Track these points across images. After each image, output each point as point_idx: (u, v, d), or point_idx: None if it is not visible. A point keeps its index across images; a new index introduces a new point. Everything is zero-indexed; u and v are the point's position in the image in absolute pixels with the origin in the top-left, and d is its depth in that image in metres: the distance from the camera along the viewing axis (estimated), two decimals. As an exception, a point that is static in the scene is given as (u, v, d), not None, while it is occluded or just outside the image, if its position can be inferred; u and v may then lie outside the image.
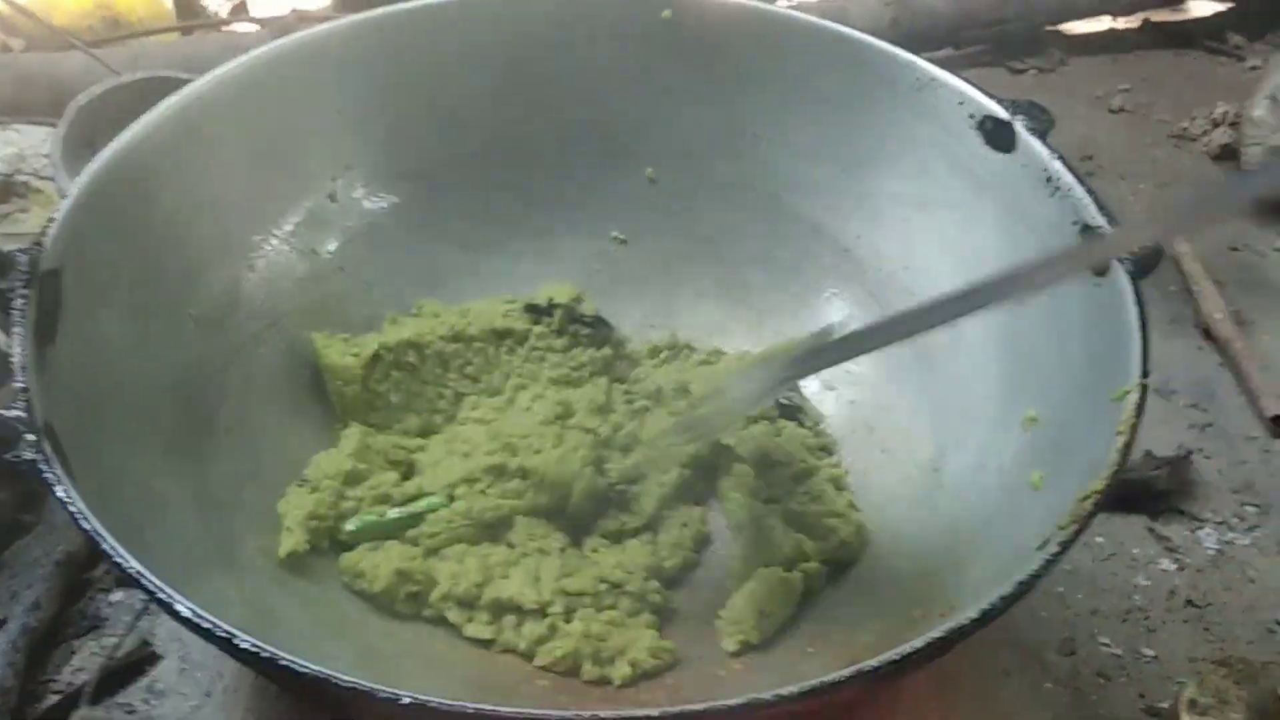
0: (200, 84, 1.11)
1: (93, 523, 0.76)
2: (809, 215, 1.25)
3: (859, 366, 1.20)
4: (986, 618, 0.74)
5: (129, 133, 1.05)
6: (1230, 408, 1.48)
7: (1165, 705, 1.12)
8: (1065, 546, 0.78)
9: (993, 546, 0.91)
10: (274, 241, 1.18)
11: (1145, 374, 0.87)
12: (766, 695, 0.69)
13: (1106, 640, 1.21)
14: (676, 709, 0.69)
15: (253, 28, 2.15)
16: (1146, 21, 2.33)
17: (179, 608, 0.73)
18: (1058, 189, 1.02)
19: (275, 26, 1.99)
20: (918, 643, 0.73)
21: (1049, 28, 2.28)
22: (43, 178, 1.68)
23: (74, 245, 0.96)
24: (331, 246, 1.23)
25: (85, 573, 1.24)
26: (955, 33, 2.17)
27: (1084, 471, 0.84)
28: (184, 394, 1.05)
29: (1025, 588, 0.76)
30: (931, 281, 1.14)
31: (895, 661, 0.72)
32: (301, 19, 1.97)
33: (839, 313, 1.23)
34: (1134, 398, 0.85)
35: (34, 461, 0.80)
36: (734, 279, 1.30)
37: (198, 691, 1.12)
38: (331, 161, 1.23)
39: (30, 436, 0.81)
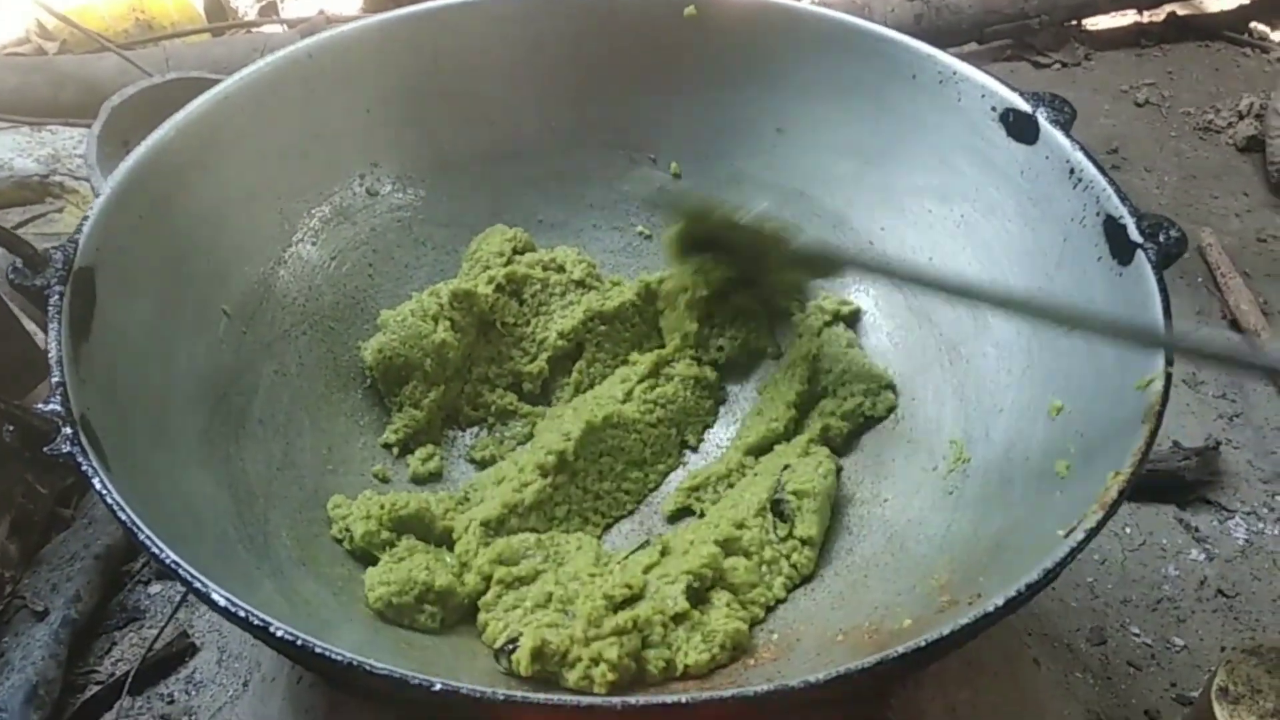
0: (229, 84, 1.13)
1: (129, 514, 0.78)
2: (833, 208, 1.25)
3: (885, 359, 1.21)
4: (1013, 605, 0.75)
5: (160, 132, 1.07)
6: (1258, 398, 1.48)
7: (1196, 694, 1.13)
8: (1091, 534, 0.78)
9: (1019, 534, 0.91)
10: (304, 236, 1.20)
11: (1169, 362, 0.87)
12: (795, 682, 0.70)
13: (1137, 630, 1.21)
14: (705, 695, 0.70)
15: (281, 29, 2.17)
16: (1171, 15, 2.33)
17: (215, 597, 0.74)
18: (1080, 180, 1.02)
19: (304, 28, 2.00)
20: (945, 629, 0.73)
21: (1072, 22, 2.28)
22: (78, 178, 1.70)
23: (107, 243, 0.97)
24: (360, 241, 1.24)
25: (124, 565, 1.26)
26: (979, 28, 2.17)
27: (1110, 460, 0.84)
28: (217, 388, 1.07)
29: (1051, 575, 0.76)
30: (955, 272, 1.14)
31: (921, 648, 0.73)
32: (330, 20, 1.99)
33: (864, 303, 1.25)
34: (1158, 386, 0.86)
35: (71, 454, 0.81)
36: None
37: (235, 682, 1.14)
38: (359, 158, 1.25)
39: (67, 429, 0.82)
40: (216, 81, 1.13)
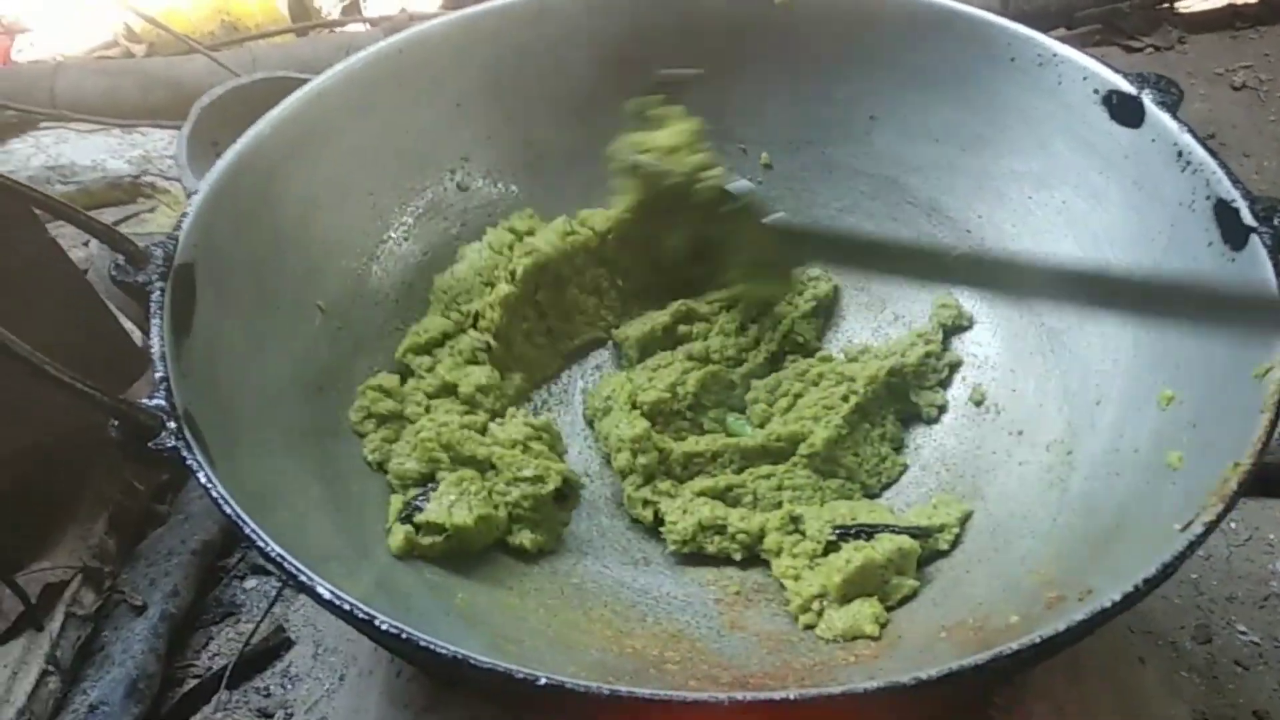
0: (321, 81, 1.13)
1: (235, 508, 0.78)
2: (927, 196, 1.23)
3: (984, 349, 1.19)
4: (1130, 601, 0.73)
5: (255, 129, 1.07)
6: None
7: (1307, 694, 1.09)
8: (1210, 527, 0.76)
9: (1130, 528, 0.89)
10: (396, 232, 1.20)
11: (1290, 348, 0.84)
12: (906, 679, 0.69)
13: (1244, 628, 1.18)
14: (814, 691, 0.69)
15: (364, 27, 2.18)
16: (1267, -4, 2.27)
17: (321, 591, 0.74)
18: (1189, 163, 0.99)
19: (386, 26, 2.02)
20: (1059, 625, 0.72)
21: (1164, 4, 2.23)
22: (168, 178, 1.72)
23: (206, 239, 0.98)
24: (452, 236, 1.24)
25: (219, 561, 1.27)
26: (1068, 11, 2.14)
27: (1226, 451, 0.81)
28: (313, 383, 1.07)
29: (1169, 570, 0.74)
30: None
31: (1036, 645, 0.71)
32: (413, 18, 2.00)
33: (962, 293, 1.22)
34: (1277, 374, 0.83)
35: (176, 449, 0.82)
36: (851, 261, 1.29)
37: (331, 676, 1.15)
38: (450, 153, 1.25)
39: (171, 424, 0.83)
40: (303, 81, 1.13)
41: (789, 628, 1.01)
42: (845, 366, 1.19)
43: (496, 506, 1.04)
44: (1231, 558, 1.24)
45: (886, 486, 1.15)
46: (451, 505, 1.02)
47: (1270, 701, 1.12)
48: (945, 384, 1.20)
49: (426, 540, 1.00)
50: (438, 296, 1.19)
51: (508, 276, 1.18)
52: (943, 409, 1.19)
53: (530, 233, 1.23)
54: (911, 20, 1.18)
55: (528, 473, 1.06)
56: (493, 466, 1.07)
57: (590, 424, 1.20)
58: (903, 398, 1.19)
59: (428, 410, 1.11)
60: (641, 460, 1.10)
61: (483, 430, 1.10)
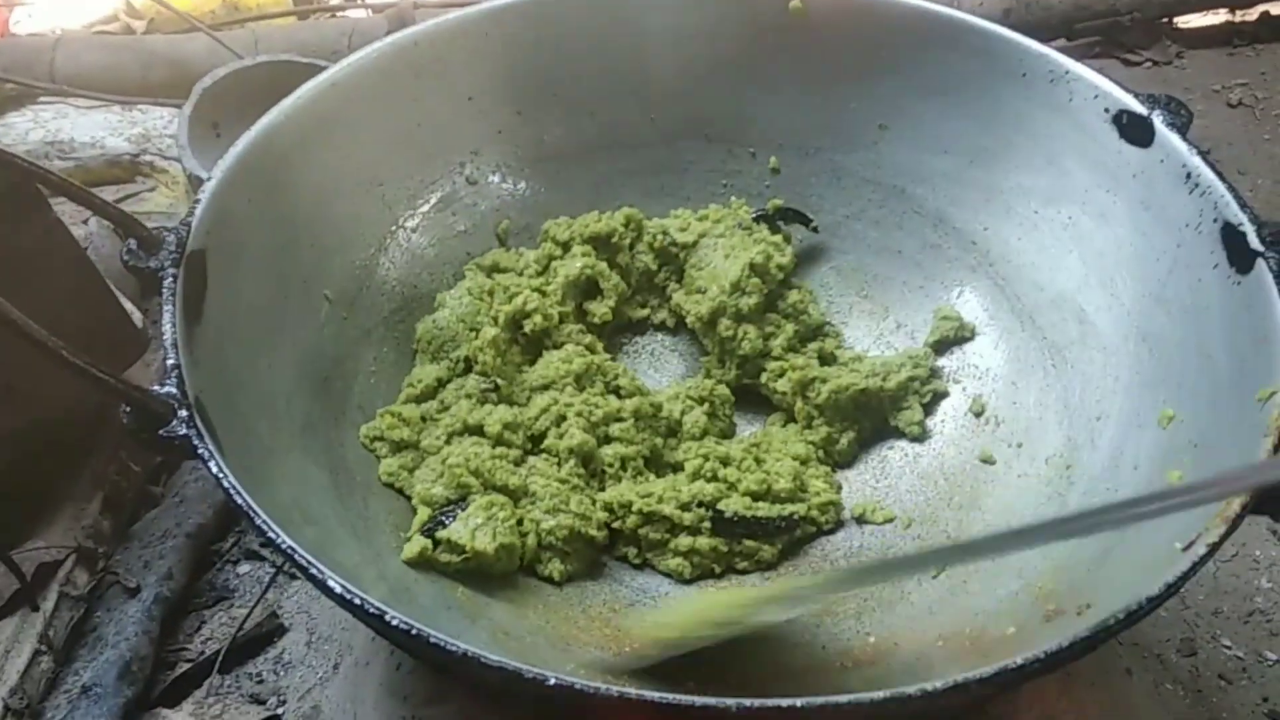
0: (336, 71, 1.13)
1: (245, 498, 0.78)
2: (934, 207, 1.24)
3: (986, 360, 1.19)
4: (1133, 618, 0.74)
5: (268, 117, 1.07)
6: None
7: (1290, 710, 1.11)
8: (1213, 549, 0.77)
9: (1128, 545, 0.89)
10: (405, 224, 1.21)
11: (1291, 375, 0.85)
12: (912, 689, 0.69)
13: (1228, 642, 1.20)
14: (821, 700, 0.70)
15: (366, 13, 2.18)
16: (1264, 14, 2.28)
17: (333, 585, 0.74)
18: (1197, 186, 0.99)
19: (390, 13, 2.01)
20: (1063, 640, 0.72)
21: (1164, 20, 2.24)
22: (168, 157, 1.71)
23: (218, 226, 0.98)
24: (460, 230, 1.25)
25: (214, 544, 1.27)
26: (1068, 24, 2.15)
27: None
28: (320, 372, 1.08)
29: (1172, 589, 0.75)
30: (1062, 276, 1.13)
31: (1042, 659, 0.72)
32: (417, 5, 1.99)
33: (965, 304, 1.22)
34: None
35: (187, 436, 0.82)
36: (857, 269, 1.30)
37: (325, 664, 1.15)
38: (461, 147, 1.25)
39: (182, 412, 0.83)
40: (305, 65, 1.14)
41: (785, 630, 1.01)
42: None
43: (526, 535, 1.04)
44: (1218, 573, 1.26)
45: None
46: (477, 529, 1.00)
47: (1253, 715, 1.14)
48: (929, 408, 1.21)
49: (444, 557, 1.00)
50: (423, 345, 1.18)
51: (491, 321, 1.18)
52: (925, 430, 1.19)
53: (496, 267, 1.24)
54: (924, 31, 1.19)
55: (572, 506, 1.07)
56: (528, 494, 1.07)
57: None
58: (876, 416, 1.20)
59: (448, 442, 1.10)
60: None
61: (518, 462, 1.10)
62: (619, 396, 1.16)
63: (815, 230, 1.30)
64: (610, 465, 1.12)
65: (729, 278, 1.20)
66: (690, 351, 1.29)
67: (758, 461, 1.13)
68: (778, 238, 1.27)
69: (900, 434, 1.19)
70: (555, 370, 1.15)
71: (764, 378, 1.22)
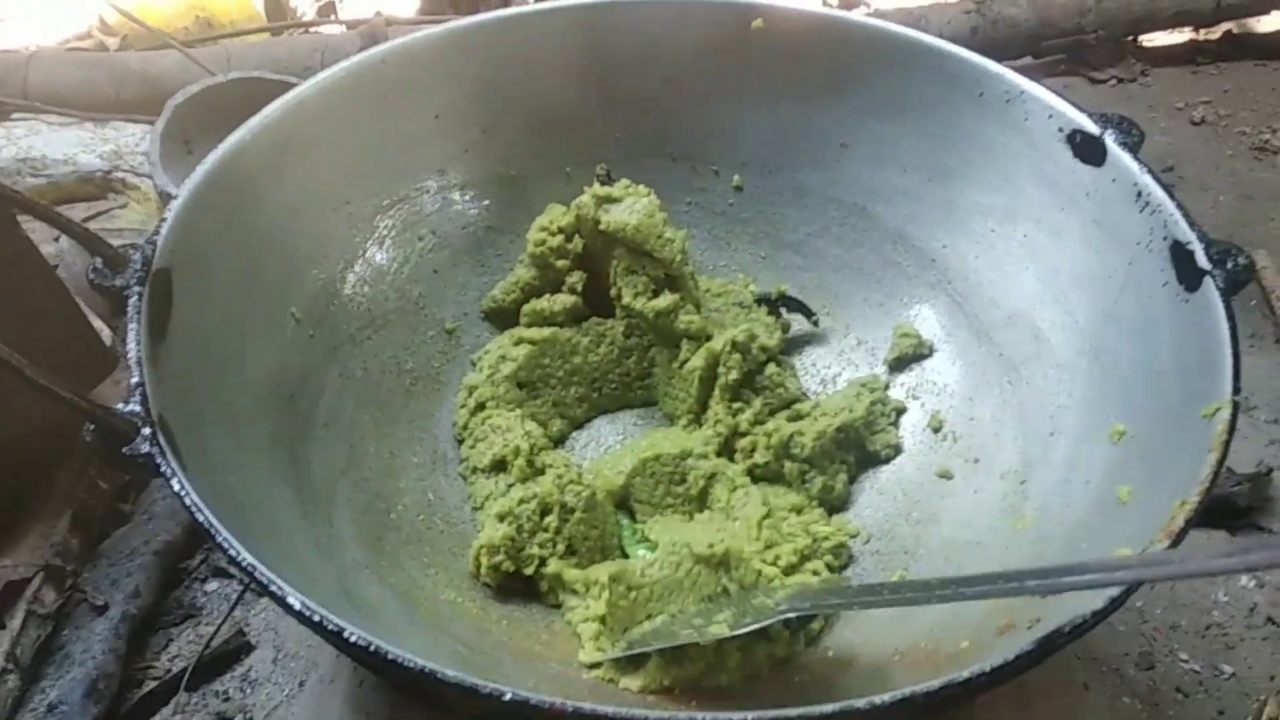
0: (303, 89, 1.14)
1: (208, 516, 0.79)
2: (895, 225, 1.26)
3: (944, 377, 1.21)
4: (1078, 632, 0.75)
5: (236, 135, 1.08)
6: (1312, 425, 1.46)
7: (1244, 722, 1.12)
8: (1157, 563, 0.78)
9: (1079, 560, 0.91)
10: (371, 242, 1.22)
11: (1237, 390, 0.86)
12: (860, 703, 0.70)
13: (1185, 656, 1.21)
14: (773, 713, 0.70)
15: (340, 29, 2.18)
16: (1227, 33, 2.31)
17: (292, 601, 0.75)
18: (1148, 204, 1.01)
19: (363, 29, 2.02)
20: (1008, 654, 0.74)
21: (1129, 38, 2.27)
22: (140, 174, 1.71)
23: (184, 244, 0.98)
24: (426, 249, 1.26)
25: (182, 562, 1.27)
26: (1035, 41, 2.17)
27: (1174, 487, 0.84)
28: (285, 390, 1.08)
29: (1117, 603, 0.76)
30: (1018, 293, 1.15)
31: (987, 673, 0.73)
32: (389, 22, 2.00)
33: (923, 321, 1.24)
34: (1225, 414, 0.85)
35: (150, 455, 0.82)
36: (819, 286, 1.32)
37: (291, 681, 1.15)
38: (428, 165, 1.26)
39: (146, 430, 0.83)
40: (278, 82, 1.14)
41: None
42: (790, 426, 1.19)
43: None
44: (1175, 587, 1.27)
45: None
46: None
47: (1209, 728, 1.15)
48: (895, 424, 1.22)
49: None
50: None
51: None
52: (897, 448, 1.21)
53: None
54: (884, 52, 1.21)
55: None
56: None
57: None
58: (857, 447, 1.20)
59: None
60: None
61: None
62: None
63: (816, 324, 1.31)
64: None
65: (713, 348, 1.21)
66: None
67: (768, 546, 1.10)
68: (770, 319, 1.29)
69: (880, 460, 1.20)
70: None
71: (737, 458, 1.20)
